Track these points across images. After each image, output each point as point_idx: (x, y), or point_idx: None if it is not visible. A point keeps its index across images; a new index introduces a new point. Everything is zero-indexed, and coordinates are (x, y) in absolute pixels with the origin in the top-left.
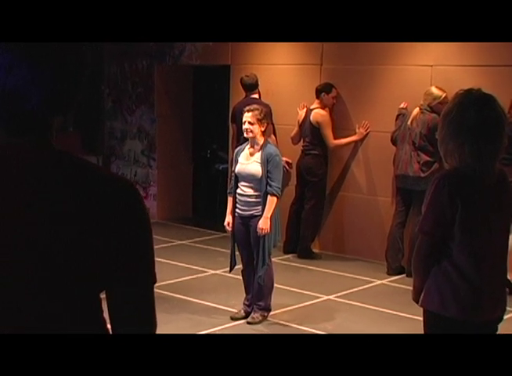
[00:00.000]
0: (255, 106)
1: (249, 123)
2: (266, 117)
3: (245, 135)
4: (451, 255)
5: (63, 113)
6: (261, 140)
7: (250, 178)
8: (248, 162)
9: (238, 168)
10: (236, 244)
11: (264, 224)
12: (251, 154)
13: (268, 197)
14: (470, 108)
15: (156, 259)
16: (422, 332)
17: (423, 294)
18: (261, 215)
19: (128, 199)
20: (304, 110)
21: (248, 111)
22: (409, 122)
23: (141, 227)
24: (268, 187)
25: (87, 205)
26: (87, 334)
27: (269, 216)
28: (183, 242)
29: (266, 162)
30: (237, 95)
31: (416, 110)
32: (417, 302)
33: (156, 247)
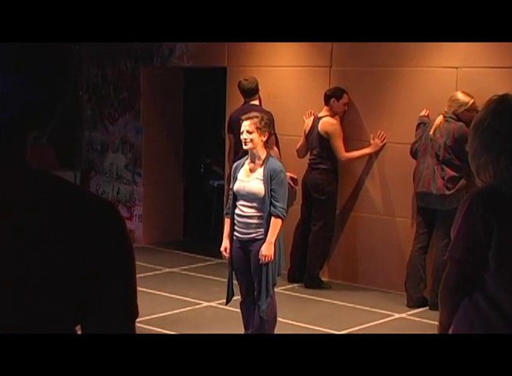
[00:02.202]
0: (254, 113)
1: (247, 132)
2: (267, 125)
3: (244, 146)
4: (484, 286)
5: (40, 126)
6: (262, 153)
7: (251, 198)
8: (249, 179)
9: (237, 186)
10: (234, 272)
11: (267, 250)
12: (252, 170)
13: (272, 219)
14: (507, 116)
15: (142, 289)
16: None
17: (451, 330)
18: (263, 240)
19: (106, 222)
20: (312, 118)
21: (246, 119)
22: (431, 132)
23: (120, 253)
24: (272, 208)
25: (60, 229)
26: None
27: (273, 241)
28: (173, 269)
29: (269, 179)
30: (235, 101)
31: (440, 118)
32: None
33: (142, 275)
